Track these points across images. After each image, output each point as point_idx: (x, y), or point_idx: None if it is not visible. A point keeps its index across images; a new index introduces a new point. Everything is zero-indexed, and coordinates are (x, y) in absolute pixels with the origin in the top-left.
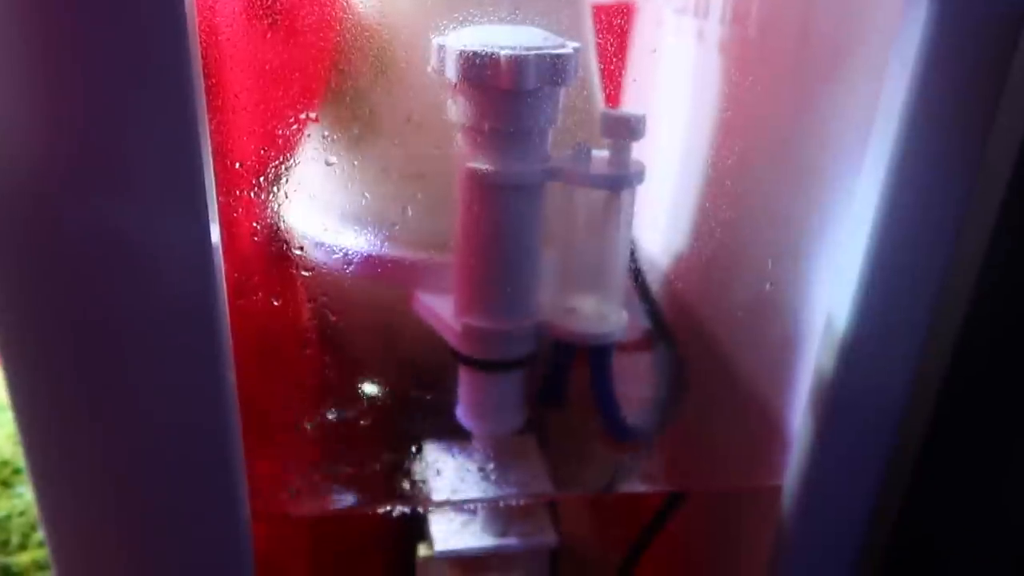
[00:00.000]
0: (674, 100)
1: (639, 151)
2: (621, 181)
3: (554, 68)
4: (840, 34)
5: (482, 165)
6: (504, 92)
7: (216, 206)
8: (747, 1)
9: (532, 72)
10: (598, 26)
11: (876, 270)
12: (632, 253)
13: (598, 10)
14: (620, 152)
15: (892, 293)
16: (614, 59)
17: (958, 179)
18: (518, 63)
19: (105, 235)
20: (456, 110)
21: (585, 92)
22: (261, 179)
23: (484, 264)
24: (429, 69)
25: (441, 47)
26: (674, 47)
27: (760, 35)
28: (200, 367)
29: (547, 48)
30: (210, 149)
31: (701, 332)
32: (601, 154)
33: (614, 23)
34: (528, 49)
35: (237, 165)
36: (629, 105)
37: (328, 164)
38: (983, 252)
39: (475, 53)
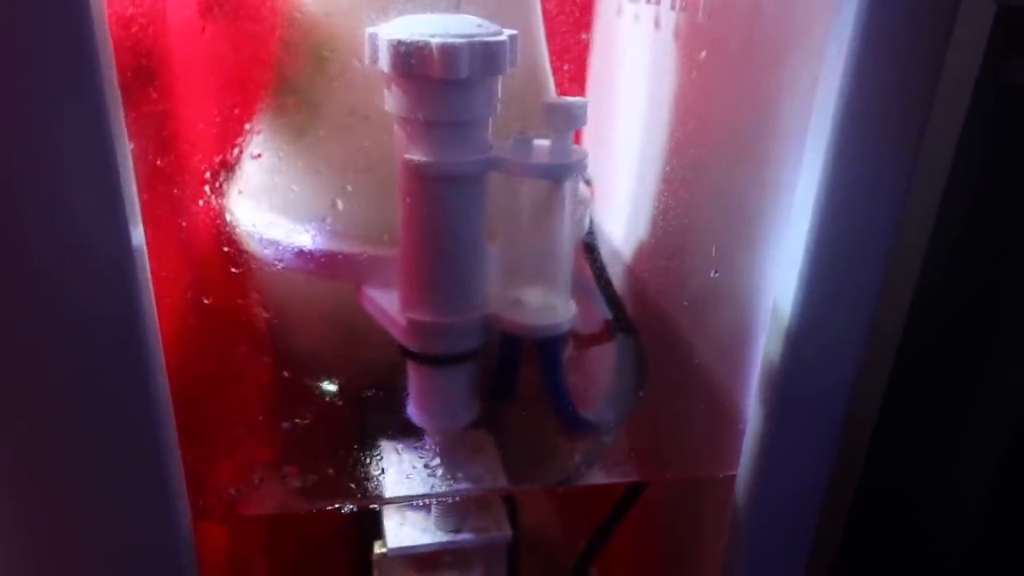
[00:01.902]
0: (633, 88)
1: (603, 141)
2: (563, 170)
3: (486, 56)
4: (786, 20)
5: (419, 156)
6: (436, 82)
7: (138, 208)
8: None
9: (464, 61)
10: (560, 15)
11: (819, 257)
12: (594, 243)
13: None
14: (562, 141)
15: (836, 280)
16: (575, 48)
17: (898, 164)
18: (448, 52)
19: (22, 240)
20: (391, 101)
21: (536, 80)
22: (207, 176)
23: (426, 257)
24: (365, 60)
25: (373, 37)
26: (633, 35)
27: (709, 21)
28: (125, 371)
29: (480, 36)
30: (128, 150)
31: (658, 321)
32: (544, 143)
33: (574, 12)
34: (460, 37)
35: (156, 162)
36: (592, 94)
37: (273, 159)
38: (926, 237)
39: (405, 43)
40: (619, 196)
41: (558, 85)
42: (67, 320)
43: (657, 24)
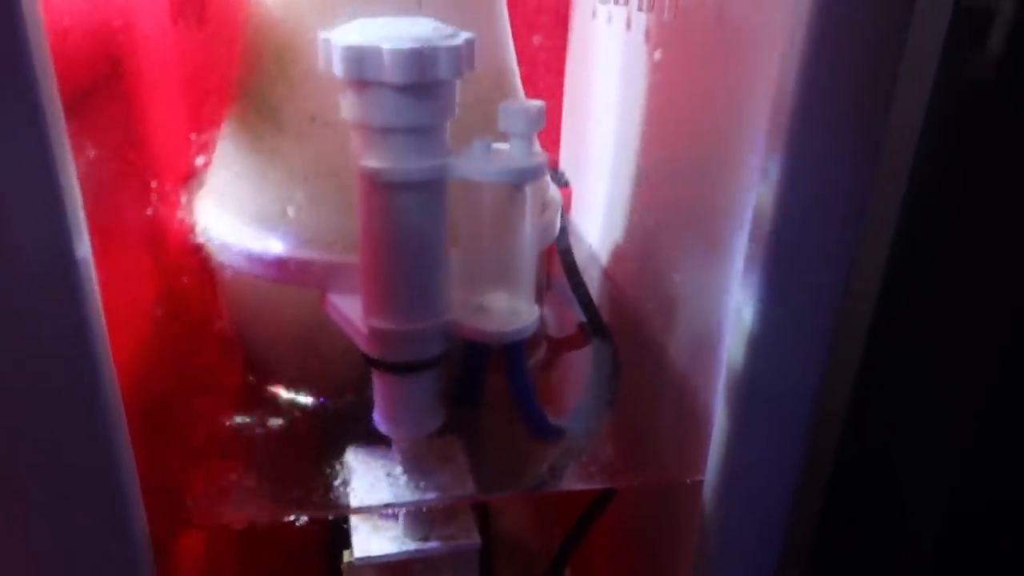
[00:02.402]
0: (607, 89)
1: (580, 142)
2: (522, 175)
3: (441, 60)
4: (748, 20)
5: (374, 163)
6: (389, 87)
7: (83, 219)
8: None
9: (416, 65)
10: (536, 17)
11: (778, 258)
12: (567, 245)
13: (533, 1)
14: (521, 145)
15: (796, 284)
16: (552, 49)
17: (857, 163)
18: (400, 57)
19: None
20: (345, 106)
21: (502, 83)
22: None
23: (385, 264)
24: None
25: (326, 42)
26: (606, 37)
27: (675, 21)
28: (74, 384)
29: (435, 40)
30: (70, 161)
31: (632, 325)
32: (505, 147)
33: (550, 14)
34: (415, 41)
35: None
36: (569, 95)
37: (236, 165)
38: (888, 240)
39: (356, 48)
40: (595, 198)
41: (536, 87)
42: (12, 333)
43: (628, 25)
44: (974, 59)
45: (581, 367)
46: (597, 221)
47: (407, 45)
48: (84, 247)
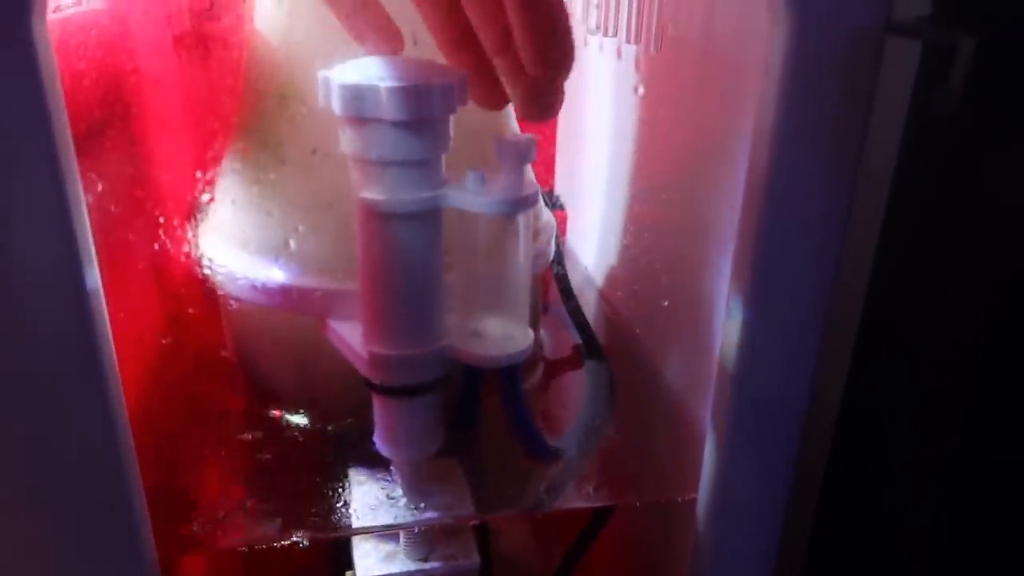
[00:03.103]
0: (600, 116)
1: (575, 168)
2: (514, 205)
3: (435, 98)
4: (729, 53)
5: (372, 194)
6: (386, 123)
7: (93, 251)
8: (648, 19)
9: (412, 103)
10: None
11: (764, 281)
12: (562, 269)
13: None
14: (513, 176)
15: (781, 302)
16: None
17: (834, 189)
18: (397, 95)
19: None
20: (345, 141)
21: (495, 115)
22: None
23: (383, 291)
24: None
25: (326, 80)
26: (598, 65)
27: (659, 54)
28: (84, 412)
29: (428, 78)
30: (81, 194)
31: (627, 345)
32: (496, 177)
33: None
34: (409, 80)
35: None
36: (564, 123)
37: (240, 198)
38: (870, 263)
39: (355, 86)
40: (590, 222)
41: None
42: (24, 361)
43: (619, 55)
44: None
45: (578, 388)
46: (592, 244)
47: (403, 83)
48: (94, 279)
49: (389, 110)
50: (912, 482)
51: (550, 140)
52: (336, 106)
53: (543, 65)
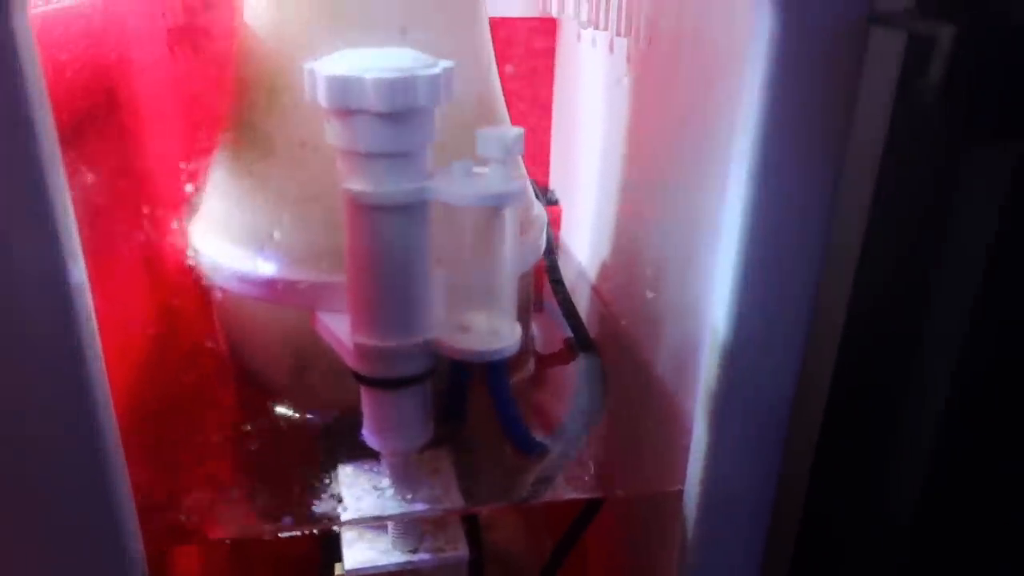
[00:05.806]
0: (593, 110)
1: (569, 162)
2: (500, 199)
3: (421, 90)
4: (716, 45)
5: (357, 186)
6: (372, 115)
7: (78, 245)
8: (636, 13)
9: (397, 95)
10: (523, 42)
11: (750, 274)
12: (554, 262)
13: (522, 26)
14: (500, 169)
15: (768, 295)
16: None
17: (820, 181)
18: (382, 87)
19: None
20: (331, 133)
21: (486, 108)
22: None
23: (369, 283)
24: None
25: (311, 72)
26: (591, 59)
27: (653, 47)
28: (68, 402)
29: (414, 69)
30: (65, 187)
31: (617, 339)
32: (483, 170)
33: (537, 38)
34: (395, 72)
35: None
36: (558, 116)
37: (229, 190)
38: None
39: (340, 78)
40: (583, 216)
41: (526, 106)
42: (8, 355)
43: (611, 49)
44: (921, 83)
45: (569, 382)
46: (585, 238)
47: (388, 75)
48: (79, 273)
49: (374, 101)
50: (899, 475)
51: (545, 136)
52: (322, 98)
53: None
